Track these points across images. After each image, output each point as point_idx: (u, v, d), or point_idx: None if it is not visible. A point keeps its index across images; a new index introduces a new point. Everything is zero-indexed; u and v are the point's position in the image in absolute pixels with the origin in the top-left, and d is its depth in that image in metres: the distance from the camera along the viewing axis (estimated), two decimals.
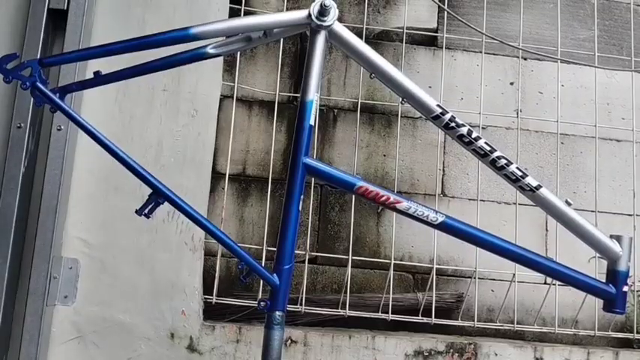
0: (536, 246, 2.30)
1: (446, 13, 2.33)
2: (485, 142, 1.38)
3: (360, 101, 2.26)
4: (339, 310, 2.08)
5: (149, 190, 1.29)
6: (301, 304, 2.04)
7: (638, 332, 2.27)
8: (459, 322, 2.16)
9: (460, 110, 2.29)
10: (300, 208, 1.30)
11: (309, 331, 2.01)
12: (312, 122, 1.31)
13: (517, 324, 2.19)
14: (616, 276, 1.44)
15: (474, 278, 2.17)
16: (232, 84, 2.18)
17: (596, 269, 2.04)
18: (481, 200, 2.26)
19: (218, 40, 1.37)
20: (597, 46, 2.39)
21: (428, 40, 2.47)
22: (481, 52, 2.34)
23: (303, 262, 2.09)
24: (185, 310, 1.89)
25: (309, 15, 1.30)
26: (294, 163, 1.30)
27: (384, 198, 1.32)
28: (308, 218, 2.26)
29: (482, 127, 2.32)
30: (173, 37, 1.32)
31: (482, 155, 1.38)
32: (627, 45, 2.50)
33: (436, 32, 2.46)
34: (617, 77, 2.49)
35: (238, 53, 2.17)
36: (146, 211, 1.28)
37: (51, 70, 1.74)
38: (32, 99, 1.37)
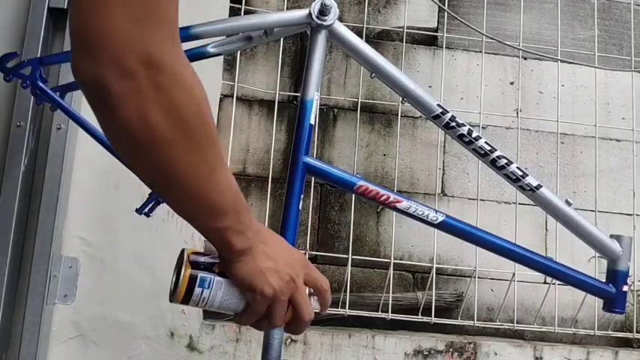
0: (536, 246, 2.30)
1: (446, 12, 2.33)
2: (486, 142, 1.38)
3: (360, 100, 2.26)
4: (339, 309, 2.08)
5: (149, 189, 1.29)
6: None
7: (637, 332, 2.27)
8: (458, 322, 2.16)
9: (460, 110, 2.29)
10: (300, 207, 1.30)
11: (309, 330, 2.01)
12: (312, 121, 1.31)
13: (517, 323, 2.19)
14: (616, 276, 1.45)
15: (474, 277, 2.17)
16: (232, 83, 2.18)
17: (596, 269, 2.04)
18: (481, 200, 2.26)
19: (218, 39, 1.38)
20: (597, 46, 2.39)
21: (428, 40, 2.47)
22: (481, 51, 2.35)
23: None
24: (185, 309, 1.89)
25: (310, 14, 1.30)
26: (294, 162, 1.30)
27: (384, 197, 1.32)
28: (308, 217, 2.26)
29: (483, 127, 2.32)
30: None
31: (483, 155, 1.38)
32: (627, 45, 2.50)
33: (436, 32, 2.46)
34: (617, 77, 2.49)
35: (238, 52, 2.17)
36: (146, 209, 1.29)
37: (51, 69, 1.74)
38: (32, 98, 1.37)
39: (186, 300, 0.79)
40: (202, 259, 0.81)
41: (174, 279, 0.81)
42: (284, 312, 0.79)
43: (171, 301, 0.80)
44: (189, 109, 0.62)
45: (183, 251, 0.83)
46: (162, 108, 0.59)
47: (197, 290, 0.79)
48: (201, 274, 0.79)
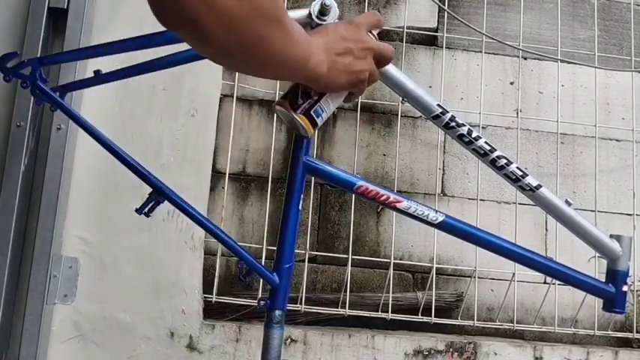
0: (536, 246, 2.30)
1: (446, 12, 2.33)
2: (486, 142, 1.38)
3: (360, 100, 2.26)
4: (339, 309, 2.08)
5: (149, 189, 1.29)
6: (301, 303, 2.04)
7: (637, 332, 2.27)
8: (458, 322, 2.16)
9: (460, 110, 2.29)
10: (300, 208, 1.30)
11: (309, 330, 2.01)
12: None
13: (517, 323, 2.19)
14: (616, 276, 1.44)
15: (474, 277, 2.17)
16: (232, 83, 2.18)
17: (595, 269, 2.04)
18: (481, 200, 2.26)
19: None
20: (597, 46, 2.40)
21: (428, 40, 2.47)
22: (481, 51, 2.35)
23: (303, 261, 2.09)
24: (185, 309, 1.89)
25: (310, 14, 1.29)
26: (294, 162, 1.30)
27: (383, 197, 1.31)
28: (308, 217, 2.26)
29: (483, 127, 2.32)
30: (173, 37, 1.32)
31: (483, 155, 1.38)
32: (627, 45, 2.50)
33: (436, 32, 2.46)
34: (617, 77, 2.49)
35: None
36: (146, 209, 1.28)
37: (51, 69, 1.74)
38: (32, 98, 1.37)
39: (316, 128, 0.94)
40: (300, 100, 0.93)
41: (290, 125, 0.95)
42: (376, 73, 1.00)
43: (307, 137, 0.98)
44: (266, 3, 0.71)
45: (276, 104, 0.95)
46: (245, 14, 0.68)
47: (318, 120, 0.93)
48: (311, 111, 0.92)
